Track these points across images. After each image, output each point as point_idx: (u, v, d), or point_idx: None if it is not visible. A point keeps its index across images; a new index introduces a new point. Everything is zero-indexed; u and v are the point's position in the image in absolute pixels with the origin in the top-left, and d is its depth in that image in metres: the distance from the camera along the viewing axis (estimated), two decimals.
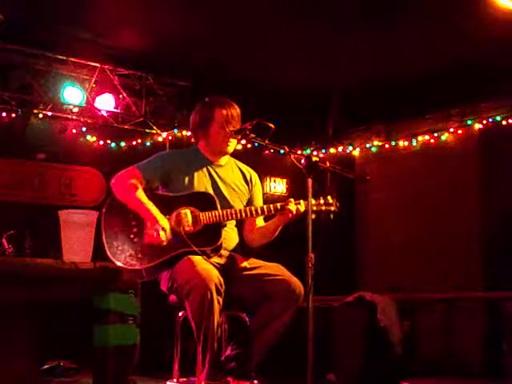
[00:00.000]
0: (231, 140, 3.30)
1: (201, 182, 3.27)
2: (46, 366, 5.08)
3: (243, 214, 3.22)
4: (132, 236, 3.12)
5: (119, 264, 3.06)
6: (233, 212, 3.20)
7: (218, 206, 3.19)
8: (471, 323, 6.48)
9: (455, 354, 6.31)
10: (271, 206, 3.25)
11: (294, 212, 3.18)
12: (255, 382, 3.10)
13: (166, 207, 3.17)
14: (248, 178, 3.46)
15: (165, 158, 3.38)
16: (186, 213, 3.13)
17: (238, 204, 3.34)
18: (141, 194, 3.17)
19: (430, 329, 6.41)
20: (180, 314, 3.22)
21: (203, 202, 3.18)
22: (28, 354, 3.44)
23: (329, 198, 3.29)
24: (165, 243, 3.07)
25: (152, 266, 3.08)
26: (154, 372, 5.17)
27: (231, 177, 3.39)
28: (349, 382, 5.57)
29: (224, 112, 3.29)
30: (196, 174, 3.28)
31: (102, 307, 4.35)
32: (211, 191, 3.25)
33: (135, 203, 3.15)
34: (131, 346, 4.59)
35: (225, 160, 3.42)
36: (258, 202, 3.47)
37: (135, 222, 3.14)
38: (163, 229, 3.06)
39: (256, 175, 3.52)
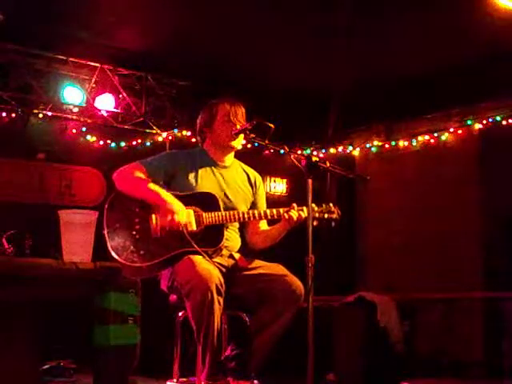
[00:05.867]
0: (237, 135, 3.29)
1: (205, 182, 3.26)
2: (46, 366, 5.08)
3: (246, 217, 3.22)
4: (134, 233, 3.09)
5: (120, 260, 3.04)
6: (235, 214, 3.20)
7: (221, 207, 3.18)
8: (471, 323, 6.49)
9: (455, 354, 6.32)
10: (274, 210, 3.25)
11: (296, 219, 3.19)
12: (255, 382, 3.10)
13: None
14: (253, 181, 3.46)
15: (170, 156, 3.36)
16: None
17: (242, 206, 3.33)
18: (153, 185, 3.15)
19: (429, 329, 6.42)
20: (180, 313, 3.21)
21: (206, 202, 3.16)
22: (28, 353, 3.44)
23: (331, 205, 3.30)
24: (181, 228, 3.03)
25: (153, 263, 3.06)
26: (154, 372, 5.17)
27: (236, 178, 3.38)
28: (349, 381, 5.58)
29: (228, 106, 3.30)
30: (201, 174, 3.27)
31: (102, 307, 4.34)
32: (216, 192, 3.23)
33: (148, 192, 3.11)
34: (131, 346, 4.58)
35: (230, 161, 3.41)
36: (262, 204, 3.46)
37: (138, 218, 3.11)
38: (179, 212, 3.04)
39: (260, 178, 3.51)
